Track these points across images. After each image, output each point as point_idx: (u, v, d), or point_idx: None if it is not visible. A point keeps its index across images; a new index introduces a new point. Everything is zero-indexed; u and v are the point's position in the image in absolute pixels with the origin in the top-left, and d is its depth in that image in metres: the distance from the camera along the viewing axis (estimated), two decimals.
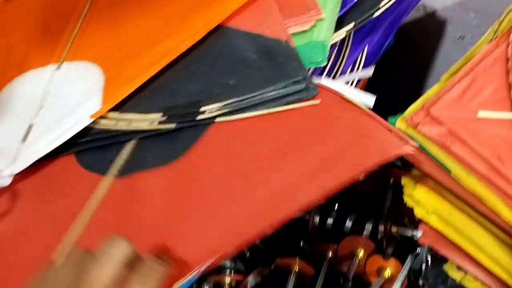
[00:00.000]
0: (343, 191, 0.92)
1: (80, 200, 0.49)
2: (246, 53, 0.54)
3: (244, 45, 0.55)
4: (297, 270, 0.76)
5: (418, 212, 0.53)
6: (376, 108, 0.55)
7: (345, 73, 0.60)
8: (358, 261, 0.74)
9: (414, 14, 0.89)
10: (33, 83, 0.58)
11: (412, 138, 0.49)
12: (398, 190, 0.61)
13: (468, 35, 0.84)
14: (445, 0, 0.84)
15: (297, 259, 0.76)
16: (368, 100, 0.55)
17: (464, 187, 0.45)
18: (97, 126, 0.53)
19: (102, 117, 0.53)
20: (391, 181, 0.80)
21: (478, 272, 0.51)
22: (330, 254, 0.78)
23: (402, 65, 0.93)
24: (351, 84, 0.59)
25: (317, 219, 0.77)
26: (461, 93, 0.49)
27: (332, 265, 0.79)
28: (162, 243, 0.43)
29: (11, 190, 0.53)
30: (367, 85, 0.61)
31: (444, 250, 0.54)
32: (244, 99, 0.50)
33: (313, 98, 0.50)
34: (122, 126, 0.52)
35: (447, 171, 0.46)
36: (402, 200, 0.62)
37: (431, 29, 0.87)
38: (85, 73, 0.57)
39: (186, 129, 0.51)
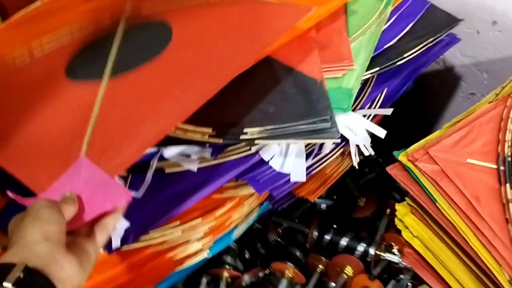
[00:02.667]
0: (343, 214, 1.00)
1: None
2: (287, 87, 0.62)
3: (286, 78, 0.62)
4: (289, 276, 0.84)
5: (405, 235, 0.62)
6: (388, 142, 0.64)
7: (364, 108, 0.69)
8: (345, 277, 0.82)
9: (434, 66, 0.97)
10: None
11: (409, 170, 0.58)
12: (393, 220, 0.69)
13: (479, 93, 0.91)
14: (464, 59, 0.90)
15: (291, 266, 0.84)
16: (379, 132, 0.64)
17: (445, 216, 0.54)
18: None
19: None
20: (387, 212, 0.86)
21: None
22: (322, 267, 0.86)
23: (417, 109, 1.02)
24: (368, 117, 0.68)
25: (315, 233, 0.85)
26: (456, 141, 0.58)
27: (322, 277, 0.86)
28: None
29: None
30: (384, 122, 0.69)
31: (421, 272, 0.63)
32: (279, 128, 0.57)
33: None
34: (179, 134, 0.59)
35: (434, 201, 0.55)
36: (395, 230, 0.70)
37: (447, 82, 0.94)
38: None
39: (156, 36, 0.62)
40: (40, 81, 0.62)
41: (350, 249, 0.83)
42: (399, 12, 0.74)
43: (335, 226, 0.86)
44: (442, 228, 0.56)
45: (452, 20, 0.76)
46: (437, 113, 0.80)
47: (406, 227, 0.62)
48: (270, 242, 0.93)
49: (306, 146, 0.65)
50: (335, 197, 0.97)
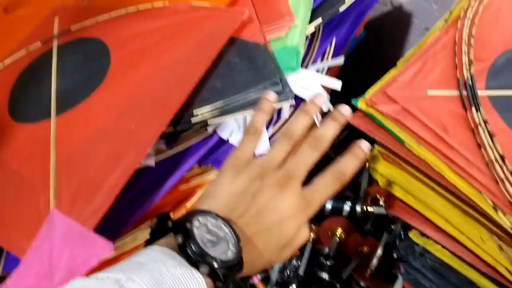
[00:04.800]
0: None
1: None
2: (230, 58, 0.59)
3: (228, 49, 0.59)
4: None
5: (381, 183, 0.60)
6: (349, 93, 0.61)
7: (316, 62, 0.66)
8: (338, 240, 0.80)
9: (382, 8, 0.94)
10: None
11: (371, 116, 0.55)
12: None
13: (432, 27, 0.90)
14: None
15: None
16: (335, 84, 0.61)
17: (415, 155, 0.52)
18: None
19: None
20: (367, 165, 0.84)
21: (436, 235, 0.58)
22: (313, 235, 0.84)
23: (374, 57, 1.00)
24: (322, 72, 0.65)
25: None
26: (413, 75, 0.55)
27: (315, 245, 0.84)
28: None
29: None
30: (342, 73, 0.67)
31: (407, 218, 0.60)
32: (230, 101, 0.55)
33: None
34: None
35: (401, 142, 0.53)
36: (378, 182, 0.68)
37: (399, 22, 0.91)
38: None
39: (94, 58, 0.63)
40: None
41: (336, 211, 0.81)
42: None
43: None
44: (416, 167, 0.53)
45: None
46: (396, 56, 0.78)
47: (382, 175, 0.60)
48: None
49: None
50: None
